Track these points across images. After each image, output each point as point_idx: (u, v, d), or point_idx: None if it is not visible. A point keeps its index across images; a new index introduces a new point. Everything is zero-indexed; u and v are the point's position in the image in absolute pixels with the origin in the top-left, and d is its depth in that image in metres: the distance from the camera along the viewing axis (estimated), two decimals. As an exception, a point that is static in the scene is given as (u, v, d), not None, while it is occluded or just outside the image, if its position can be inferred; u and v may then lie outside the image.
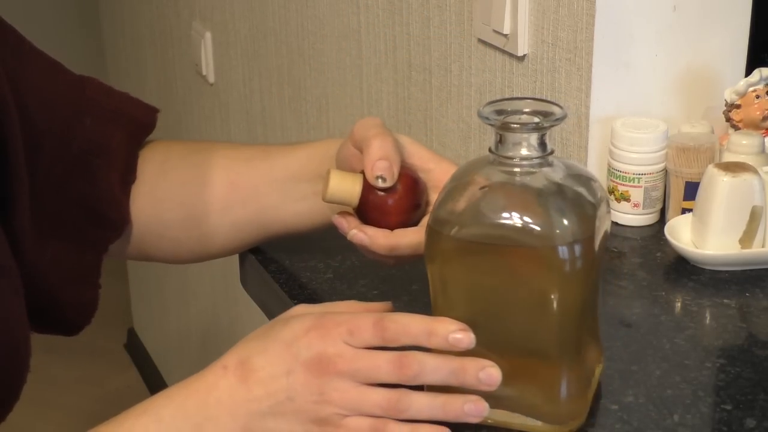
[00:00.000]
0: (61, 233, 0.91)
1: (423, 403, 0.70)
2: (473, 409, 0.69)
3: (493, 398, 0.71)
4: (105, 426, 0.73)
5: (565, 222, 0.69)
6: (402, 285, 0.92)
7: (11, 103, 0.84)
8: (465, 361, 0.70)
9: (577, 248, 0.69)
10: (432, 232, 0.71)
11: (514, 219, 0.70)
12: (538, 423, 0.72)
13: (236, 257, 1.03)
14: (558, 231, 0.69)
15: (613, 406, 0.75)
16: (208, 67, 2.07)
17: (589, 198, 0.72)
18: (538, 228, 0.69)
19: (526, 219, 0.69)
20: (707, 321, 0.88)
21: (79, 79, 0.94)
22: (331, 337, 0.71)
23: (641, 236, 1.02)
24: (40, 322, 0.93)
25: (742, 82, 1.02)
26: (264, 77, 1.82)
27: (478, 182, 0.71)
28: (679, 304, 0.91)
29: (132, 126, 0.95)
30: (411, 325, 0.71)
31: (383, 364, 0.70)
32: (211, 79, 2.07)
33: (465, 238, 0.70)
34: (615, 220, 1.03)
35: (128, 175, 0.94)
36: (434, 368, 0.70)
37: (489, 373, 0.69)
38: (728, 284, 0.92)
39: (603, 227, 0.73)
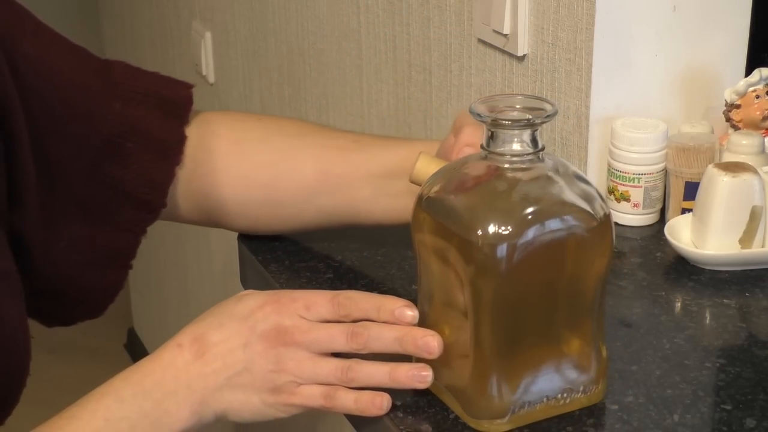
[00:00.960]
0: (90, 218, 0.90)
1: (371, 370, 0.74)
2: (417, 375, 0.74)
3: (439, 374, 0.74)
4: (69, 410, 0.75)
5: (587, 204, 0.70)
6: (402, 285, 0.92)
7: (15, 96, 0.84)
8: (407, 329, 0.74)
9: (502, 248, 0.69)
10: (465, 245, 0.71)
11: (453, 206, 0.72)
12: (462, 411, 0.74)
13: (236, 257, 1.03)
14: (479, 230, 0.69)
15: (613, 406, 0.75)
16: (208, 67, 2.07)
17: (565, 198, 0.71)
18: (464, 219, 0.70)
19: (459, 208, 0.72)
20: (707, 321, 0.88)
21: (104, 62, 0.93)
22: (288, 310, 0.75)
23: (641, 236, 1.02)
24: (57, 308, 0.93)
25: (742, 82, 1.02)
26: (264, 77, 1.82)
27: (499, 185, 0.72)
28: (679, 304, 0.91)
29: (164, 105, 0.93)
30: (362, 301, 0.76)
31: (337, 335, 0.74)
32: (211, 79, 2.07)
33: (425, 210, 0.73)
34: (615, 220, 1.03)
35: (169, 155, 0.92)
36: (379, 336, 0.74)
37: (427, 341, 0.73)
38: (728, 284, 0.92)
39: (596, 234, 0.72)
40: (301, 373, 0.74)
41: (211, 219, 0.97)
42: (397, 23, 1.36)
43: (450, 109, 1.28)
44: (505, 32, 1.12)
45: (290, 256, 0.98)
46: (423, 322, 0.75)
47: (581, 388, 0.74)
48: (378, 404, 0.74)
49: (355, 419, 0.79)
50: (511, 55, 1.14)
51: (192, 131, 0.94)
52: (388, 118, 1.43)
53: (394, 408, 0.75)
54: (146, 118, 0.91)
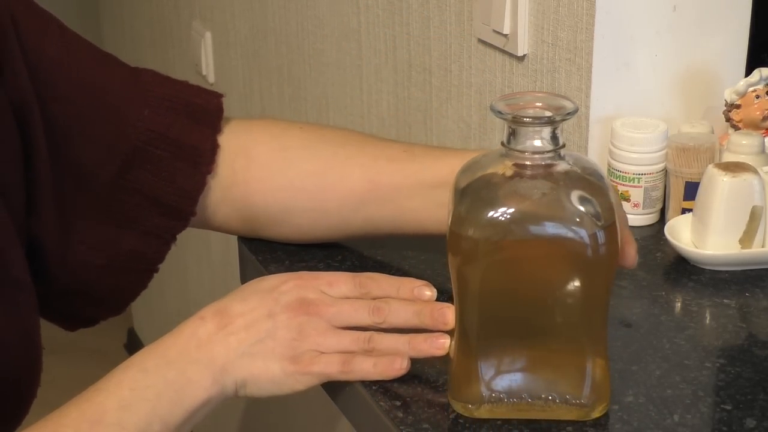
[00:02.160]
0: (116, 222, 0.90)
1: (391, 340, 0.78)
2: (435, 342, 0.77)
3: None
4: (94, 385, 0.78)
5: (583, 209, 0.70)
6: (402, 285, 0.92)
7: (33, 101, 0.84)
8: (424, 304, 0.78)
9: (487, 241, 0.70)
10: (453, 235, 0.71)
11: (460, 196, 0.72)
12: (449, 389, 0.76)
13: (236, 257, 1.03)
14: (578, 218, 0.69)
15: (613, 406, 0.75)
16: (208, 67, 2.06)
17: (568, 201, 0.70)
18: (459, 208, 0.71)
19: (461, 197, 0.72)
20: (707, 321, 0.88)
21: (133, 70, 0.92)
22: (311, 286, 0.79)
23: (641, 236, 1.02)
24: (78, 310, 0.94)
25: (742, 82, 1.02)
26: (264, 77, 1.82)
27: (493, 177, 0.72)
28: (679, 304, 0.91)
29: (194, 113, 0.92)
30: (382, 281, 0.80)
31: (360, 308, 0.78)
32: (211, 79, 2.07)
33: (490, 237, 0.70)
34: (615, 220, 1.03)
35: (200, 163, 0.91)
36: (398, 310, 0.78)
37: (443, 312, 0.77)
38: (728, 284, 0.92)
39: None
40: (324, 342, 0.77)
41: (251, 227, 0.96)
42: (397, 23, 1.36)
43: (450, 109, 1.28)
44: (505, 32, 1.12)
45: (290, 256, 0.98)
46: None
47: (566, 398, 0.73)
48: (398, 366, 0.76)
49: (355, 419, 0.80)
50: (511, 55, 1.14)
51: (229, 139, 0.93)
52: (388, 118, 1.43)
53: (394, 408, 0.75)
54: (176, 125, 0.91)
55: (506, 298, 0.72)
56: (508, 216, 0.70)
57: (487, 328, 0.73)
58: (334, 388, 0.81)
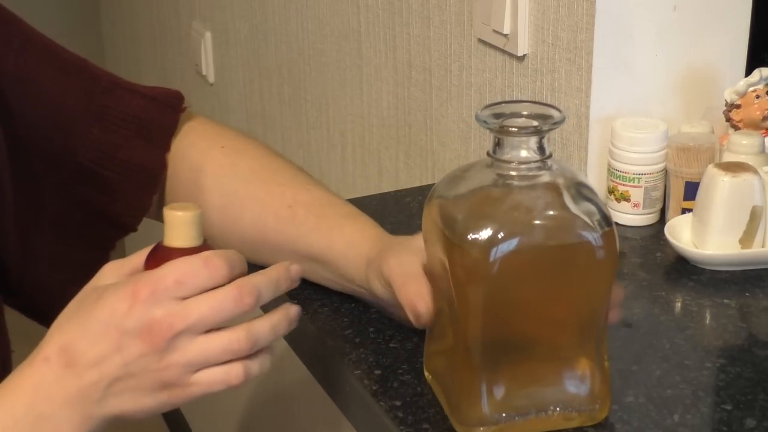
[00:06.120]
0: (64, 235, 0.91)
1: (265, 327, 0.69)
2: (294, 311, 0.72)
3: (439, 377, 0.73)
4: None
5: (586, 217, 0.69)
6: (402, 285, 0.92)
7: None
8: (275, 268, 0.71)
9: (491, 254, 0.68)
10: (455, 253, 0.69)
11: (450, 211, 0.71)
12: (450, 414, 0.74)
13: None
14: (469, 236, 0.68)
15: (613, 406, 0.75)
16: (208, 67, 2.07)
17: (565, 209, 0.70)
18: (456, 224, 0.69)
19: (454, 213, 0.70)
20: (707, 321, 0.88)
21: (92, 79, 0.91)
22: (156, 298, 0.67)
23: (641, 236, 1.02)
24: (41, 324, 0.94)
25: (742, 82, 1.02)
26: (264, 77, 1.82)
27: (492, 191, 0.70)
28: (679, 304, 0.91)
29: (146, 132, 0.92)
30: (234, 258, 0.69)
31: (222, 302, 0.67)
32: (211, 79, 2.07)
33: (494, 256, 0.68)
34: (615, 220, 1.03)
35: (147, 185, 0.92)
36: (266, 283, 0.69)
37: (295, 269, 0.72)
38: (728, 284, 0.92)
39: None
40: (192, 361, 0.67)
41: None
42: (397, 23, 1.36)
43: (450, 109, 1.28)
44: (505, 32, 1.12)
45: (290, 256, 0.98)
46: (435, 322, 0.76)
47: (576, 406, 0.72)
48: (264, 365, 0.70)
49: (355, 419, 0.80)
50: (511, 55, 1.14)
51: (174, 158, 0.94)
52: (388, 118, 1.43)
53: (394, 408, 0.75)
54: (125, 146, 0.90)
55: (509, 312, 0.71)
56: (513, 233, 0.68)
57: (490, 344, 0.71)
58: (334, 387, 0.81)
